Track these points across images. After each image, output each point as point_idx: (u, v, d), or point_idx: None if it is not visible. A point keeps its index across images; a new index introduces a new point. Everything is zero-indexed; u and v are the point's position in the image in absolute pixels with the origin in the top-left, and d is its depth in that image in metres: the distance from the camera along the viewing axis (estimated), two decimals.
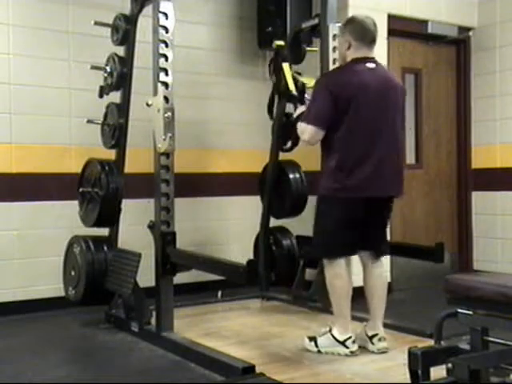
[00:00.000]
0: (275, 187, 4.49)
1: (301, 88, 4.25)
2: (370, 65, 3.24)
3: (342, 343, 3.26)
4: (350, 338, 3.27)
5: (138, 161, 4.28)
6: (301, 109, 3.61)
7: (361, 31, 3.24)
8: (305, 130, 3.22)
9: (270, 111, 4.31)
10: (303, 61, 4.53)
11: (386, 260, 5.17)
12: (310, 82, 4.02)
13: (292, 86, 3.78)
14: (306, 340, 3.38)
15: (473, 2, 5.79)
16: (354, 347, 3.27)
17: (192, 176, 4.95)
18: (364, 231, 3.32)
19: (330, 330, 3.32)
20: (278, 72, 3.80)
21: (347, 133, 3.17)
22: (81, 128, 4.44)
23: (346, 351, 3.25)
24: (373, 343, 3.32)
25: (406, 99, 3.47)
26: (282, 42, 3.90)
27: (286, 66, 3.79)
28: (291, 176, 4.46)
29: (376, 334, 3.33)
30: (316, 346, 3.32)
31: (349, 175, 3.17)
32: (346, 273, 3.31)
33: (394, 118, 3.29)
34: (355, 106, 3.14)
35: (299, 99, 3.88)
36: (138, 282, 3.70)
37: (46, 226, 4.52)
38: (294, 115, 3.60)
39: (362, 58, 3.24)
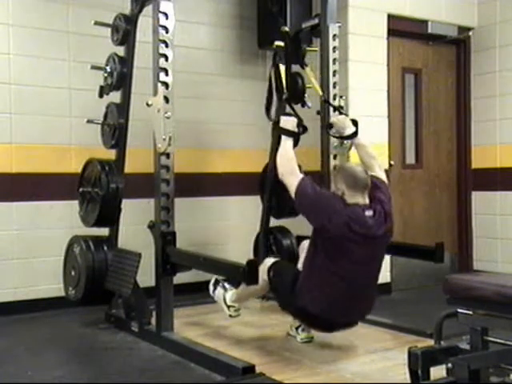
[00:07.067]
0: (275, 187, 4.47)
1: (301, 89, 4.26)
2: (368, 212, 3.09)
3: (228, 306, 3.66)
4: (234, 307, 3.65)
5: (137, 161, 4.27)
6: (285, 120, 3.42)
7: (352, 180, 3.11)
8: (293, 182, 3.21)
9: (267, 111, 4.30)
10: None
11: (385, 260, 5.22)
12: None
13: (284, 87, 3.78)
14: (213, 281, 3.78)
15: (473, 2, 5.79)
16: (234, 313, 3.66)
17: (192, 176, 4.95)
18: None
19: (226, 290, 3.69)
20: (276, 72, 3.81)
21: (330, 267, 3.08)
22: (81, 128, 4.44)
23: (227, 311, 3.65)
24: (298, 333, 3.58)
25: (390, 197, 3.29)
26: (281, 43, 3.91)
27: (282, 67, 3.80)
28: None
29: (300, 325, 3.57)
30: (213, 290, 3.76)
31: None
32: None
33: (375, 267, 3.24)
34: (346, 246, 3.06)
35: (292, 100, 3.83)
36: (138, 281, 3.70)
37: (46, 226, 4.52)
38: (281, 124, 3.40)
39: (360, 205, 3.10)
